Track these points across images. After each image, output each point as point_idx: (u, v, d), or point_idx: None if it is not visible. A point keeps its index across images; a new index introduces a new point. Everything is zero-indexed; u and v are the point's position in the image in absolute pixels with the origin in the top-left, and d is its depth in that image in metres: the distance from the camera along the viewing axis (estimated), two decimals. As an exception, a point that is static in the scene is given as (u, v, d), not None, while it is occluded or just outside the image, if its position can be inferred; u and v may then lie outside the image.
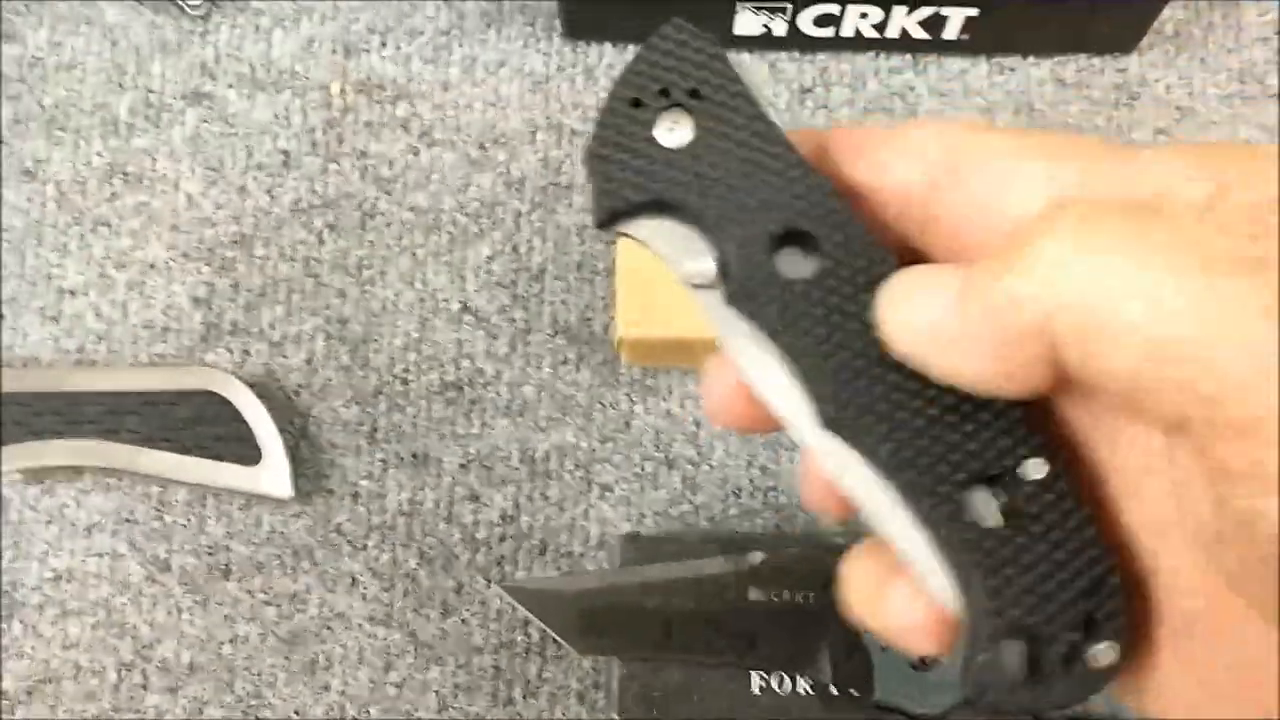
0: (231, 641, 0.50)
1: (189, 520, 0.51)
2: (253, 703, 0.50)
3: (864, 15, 0.52)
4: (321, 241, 0.53)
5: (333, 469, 0.51)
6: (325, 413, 0.52)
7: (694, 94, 0.25)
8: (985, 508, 0.24)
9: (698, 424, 0.52)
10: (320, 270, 0.53)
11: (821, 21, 0.53)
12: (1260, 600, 0.20)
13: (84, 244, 0.53)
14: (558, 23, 0.55)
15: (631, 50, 0.55)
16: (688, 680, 0.46)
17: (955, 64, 0.55)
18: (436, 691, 0.50)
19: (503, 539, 0.51)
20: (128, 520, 0.51)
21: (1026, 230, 0.21)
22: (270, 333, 0.52)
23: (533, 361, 0.52)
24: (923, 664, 0.45)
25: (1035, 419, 0.24)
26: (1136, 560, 0.24)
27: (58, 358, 0.52)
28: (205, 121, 0.55)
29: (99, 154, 0.54)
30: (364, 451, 0.51)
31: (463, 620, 0.50)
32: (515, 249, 0.53)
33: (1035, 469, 0.24)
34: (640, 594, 0.46)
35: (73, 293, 0.53)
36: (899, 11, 0.52)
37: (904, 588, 0.24)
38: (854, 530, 0.48)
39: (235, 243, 0.53)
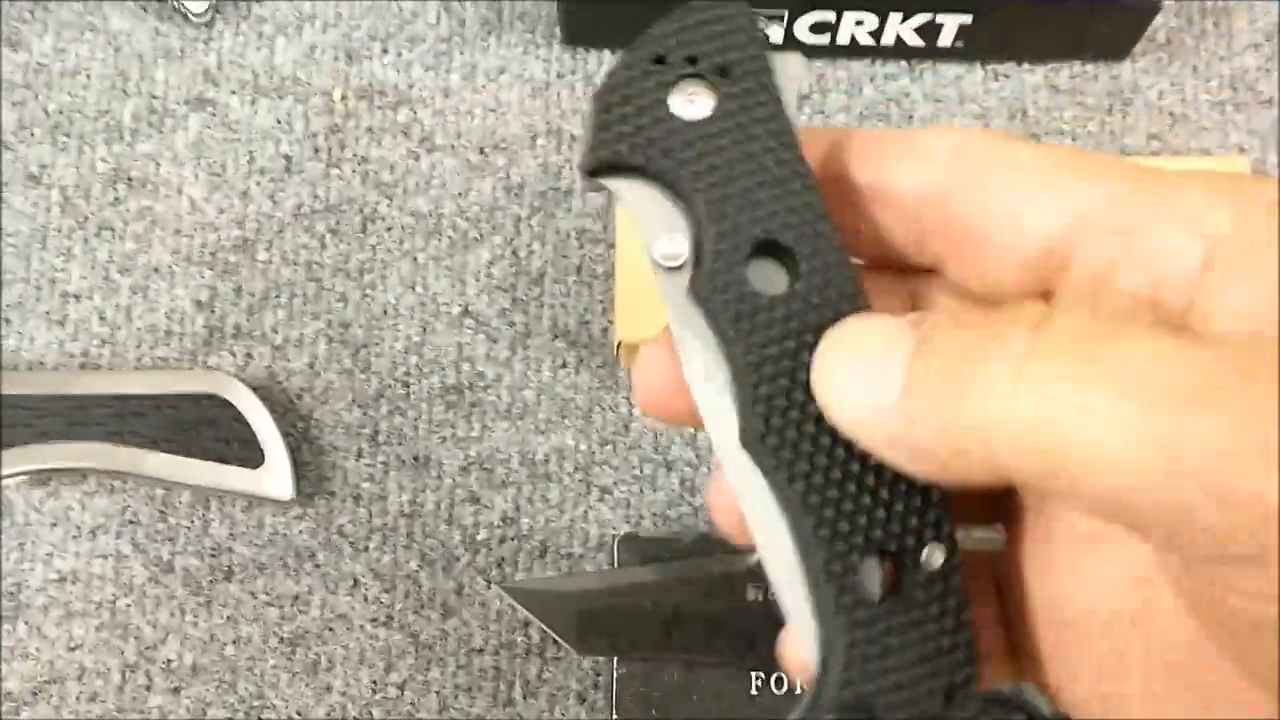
0: (234, 642, 0.50)
1: (192, 522, 0.51)
2: (255, 703, 0.50)
3: (860, 22, 0.53)
4: (323, 246, 0.54)
5: (334, 471, 0.52)
6: (327, 416, 0.52)
7: (722, 71, 0.24)
8: (870, 578, 0.23)
9: (694, 429, 0.52)
10: (322, 274, 0.54)
11: (818, 29, 0.53)
12: (1259, 674, 0.20)
13: (88, 248, 0.54)
14: (557, 30, 0.55)
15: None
16: (686, 680, 0.47)
17: (950, 70, 0.56)
18: (437, 692, 0.50)
19: (503, 541, 0.51)
20: (131, 522, 0.51)
21: (982, 339, 0.20)
22: (273, 336, 0.53)
23: (532, 365, 0.53)
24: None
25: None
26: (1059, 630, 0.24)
27: (62, 361, 0.53)
28: (208, 127, 0.55)
29: (103, 159, 0.55)
30: (365, 454, 0.52)
31: (463, 621, 0.50)
32: (515, 253, 0.54)
33: (935, 557, 0.23)
34: (639, 595, 0.47)
35: (77, 297, 0.53)
36: (894, 19, 0.53)
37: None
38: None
39: (238, 247, 0.54)
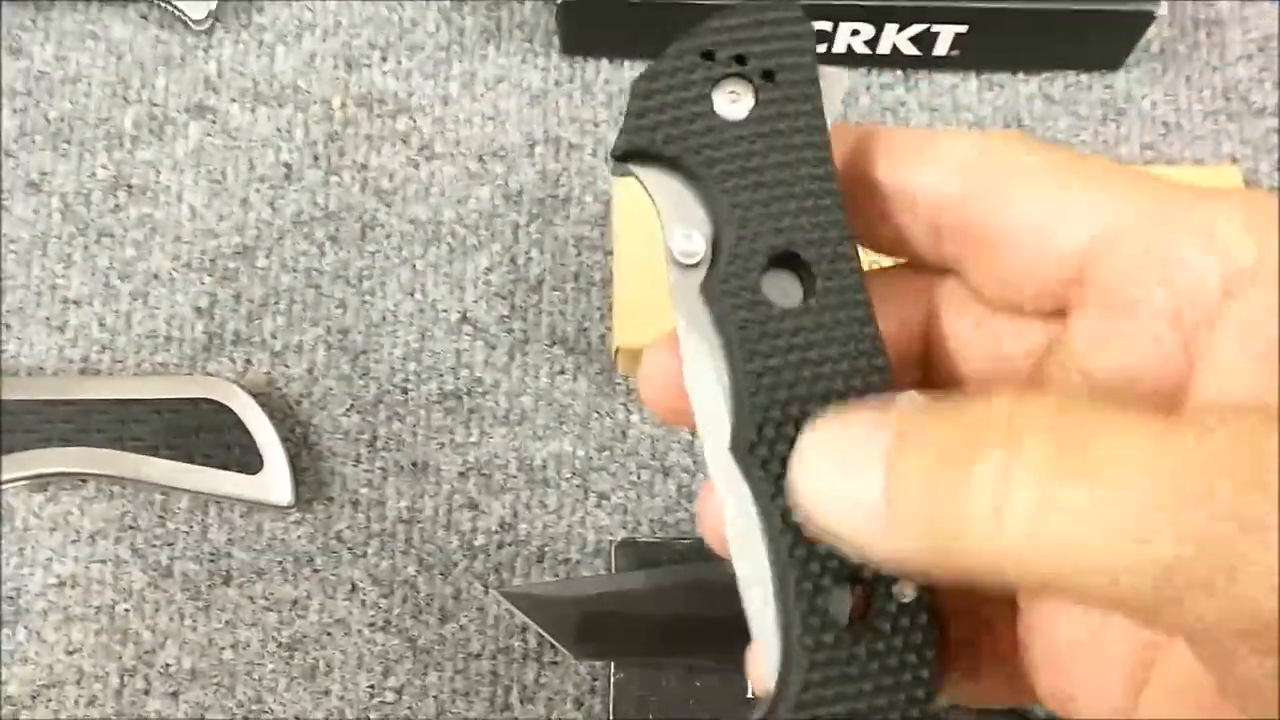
0: (233, 647, 0.51)
1: (191, 527, 0.52)
2: (253, 708, 0.50)
3: (856, 32, 0.53)
4: (323, 253, 0.54)
5: (333, 477, 0.52)
6: (326, 421, 0.52)
7: (768, 75, 0.24)
8: (840, 603, 0.23)
9: (692, 432, 0.52)
10: (321, 281, 0.54)
11: (814, 38, 0.54)
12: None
13: (88, 255, 0.54)
14: (555, 39, 0.56)
15: (629, 66, 0.56)
16: (684, 685, 0.47)
17: (946, 80, 0.56)
18: (435, 697, 0.50)
19: (500, 546, 0.52)
20: (131, 527, 0.51)
21: (960, 443, 0.19)
22: (272, 342, 0.53)
23: (530, 371, 0.53)
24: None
25: None
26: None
27: (62, 367, 0.53)
28: (208, 135, 0.55)
29: (103, 166, 0.55)
30: (364, 460, 0.52)
31: (461, 626, 0.51)
32: (513, 260, 0.54)
33: (906, 590, 0.23)
34: (637, 599, 0.47)
35: (77, 303, 0.54)
36: (890, 29, 0.53)
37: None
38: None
39: (238, 254, 0.54)
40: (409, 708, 0.50)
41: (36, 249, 0.54)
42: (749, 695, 0.45)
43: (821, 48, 0.54)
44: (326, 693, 0.50)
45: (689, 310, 0.24)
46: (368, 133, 0.55)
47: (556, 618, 0.47)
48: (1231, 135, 0.56)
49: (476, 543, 0.51)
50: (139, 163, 0.55)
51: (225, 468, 0.50)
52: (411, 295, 0.54)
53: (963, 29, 0.53)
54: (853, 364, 0.23)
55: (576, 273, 0.54)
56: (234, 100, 0.56)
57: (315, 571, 0.51)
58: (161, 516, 0.52)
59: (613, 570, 0.49)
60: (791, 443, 0.22)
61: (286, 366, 0.53)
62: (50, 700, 0.50)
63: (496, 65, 0.56)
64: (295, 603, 0.51)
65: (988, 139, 0.23)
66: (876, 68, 0.56)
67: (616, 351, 0.49)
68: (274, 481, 0.50)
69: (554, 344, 0.53)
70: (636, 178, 0.25)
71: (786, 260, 0.24)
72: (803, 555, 0.23)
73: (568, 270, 0.54)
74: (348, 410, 0.53)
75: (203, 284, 0.54)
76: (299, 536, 0.51)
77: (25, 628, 0.51)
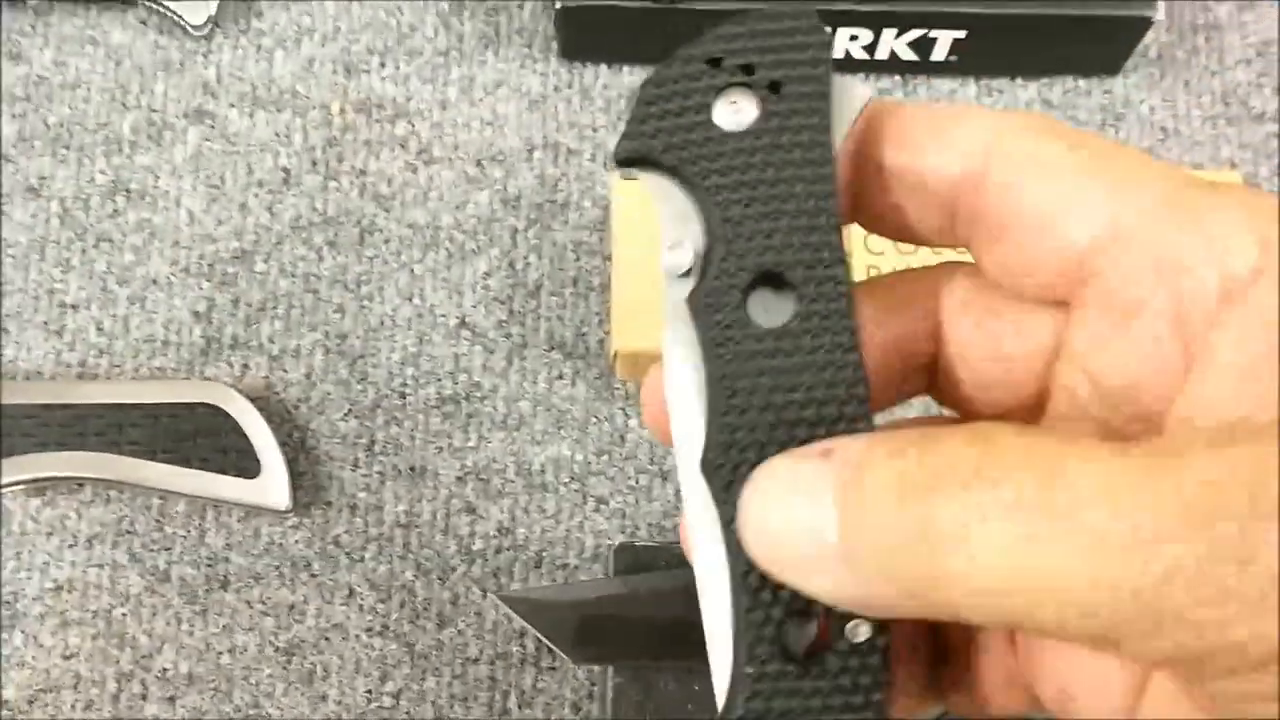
0: (230, 651, 0.50)
1: (188, 531, 0.51)
2: (251, 712, 0.50)
3: (854, 37, 0.53)
4: (321, 257, 0.54)
5: (331, 481, 0.52)
6: (324, 426, 0.52)
7: (774, 86, 0.23)
8: (794, 637, 0.23)
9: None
10: (319, 286, 0.54)
11: (813, 43, 0.54)
12: None
13: (86, 259, 0.54)
14: (554, 44, 0.56)
15: (627, 71, 0.56)
16: (682, 688, 0.47)
17: (944, 85, 0.56)
18: (432, 702, 0.50)
19: (499, 551, 0.51)
20: (128, 531, 0.51)
21: (921, 480, 0.19)
22: (270, 347, 0.53)
23: (529, 376, 0.53)
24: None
25: None
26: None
27: (59, 371, 0.53)
28: (207, 140, 0.55)
29: (102, 171, 0.55)
30: (362, 464, 0.52)
31: (459, 631, 0.51)
32: (512, 265, 0.54)
33: (860, 631, 0.22)
34: (635, 603, 0.47)
35: (75, 307, 0.54)
36: (889, 34, 0.53)
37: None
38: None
39: (236, 258, 0.54)
40: (406, 713, 0.50)
41: (35, 253, 0.54)
42: None
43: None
44: (324, 698, 0.50)
45: (675, 320, 0.24)
46: (366, 138, 0.55)
47: (554, 622, 0.47)
48: (1230, 140, 0.56)
49: (474, 547, 0.51)
50: (137, 168, 0.55)
51: (223, 472, 0.50)
52: (410, 300, 0.54)
53: (961, 34, 0.53)
54: (828, 391, 0.23)
55: (575, 277, 0.54)
56: (232, 105, 0.56)
57: (313, 576, 0.51)
58: (159, 521, 0.51)
59: (611, 574, 0.49)
60: (754, 467, 0.22)
61: (284, 371, 0.53)
62: (47, 705, 0.50)
63: (495, 70, 0.56)
64: (293, 607, 0.51)
65: (1006, 121, 0.23)
66: (875, 73, 0.56)
67: (615, 356, 0.49)
68: (271, 486, 0.50)
69: (552, 349, 0.53)
70: (635, 178, 0.25)
71: (774, 279, 0.23)
72: (756, 584, 0.22)
73: (566, 275, 0.54)
74: (346, 415, 0.53)
75: (201, 289, 0.54)
76: (296, 541, 0.51)
77: (22, 632, 0.50)
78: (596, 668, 0.49)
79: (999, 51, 0.55)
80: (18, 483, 0.50)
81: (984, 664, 0.25)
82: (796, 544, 0.21)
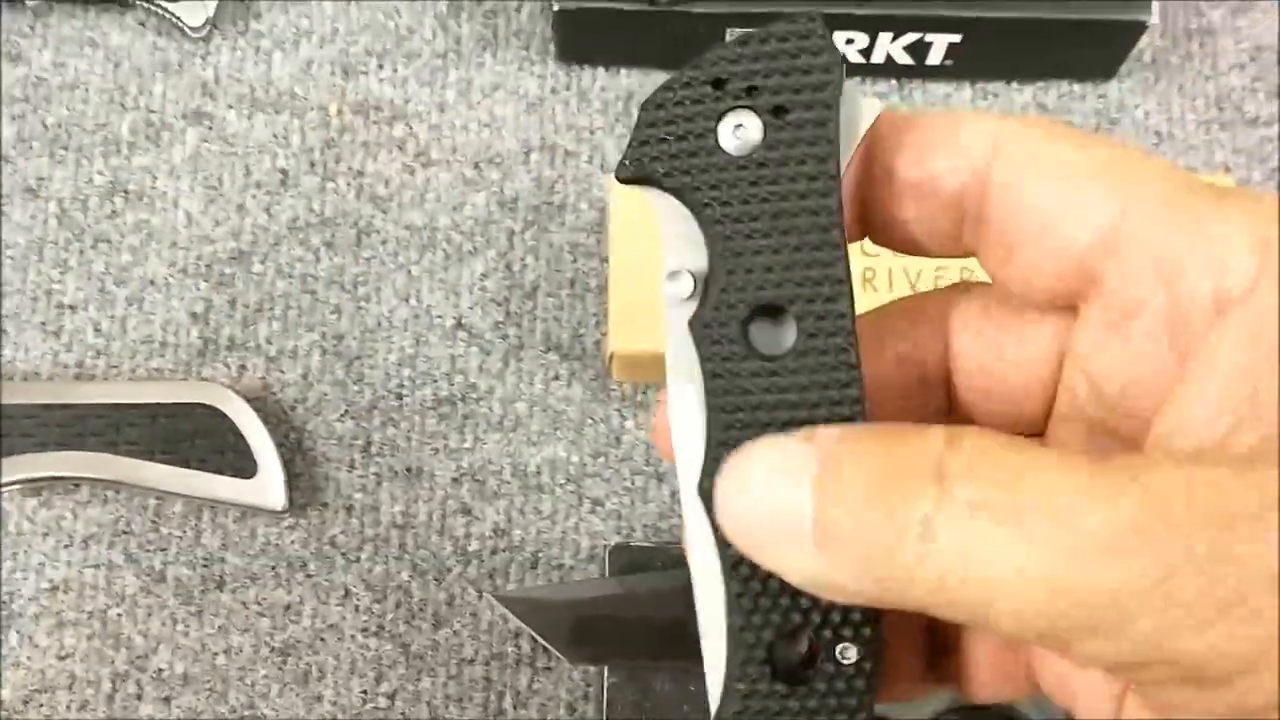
0: (225, 652, 0.51)
1: (184, 532, 0.51)
2: (246, 713, 0.50)
3: (850, 41, 0.54)
4: (318, 258, 0.54)
5: (327, 482, 0.52)
6: (320, 427, 0.53)
7: (778, 110, 0.22)
8: (783, 657, 0.23)
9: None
10: (317, 287, 0.54)
11: (809, 47, 0.54)
12: None
13: (84, 260, 0.54)
14: (551, 47, 0.56)
15: (624, 74, 0.56)
16: (677, 688, 0.47)
17: (940, 89, 0.57)
18: (428, 702, 0.50)
19: (494, 552, 0.52)
20: (124, 532, 0.51)
21: (890, 478, 0.19)
22: (267, 348, 0.53)
23: (525, 377, 0.53)
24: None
25: None
26: None
27: (57, 372, 0.53)
28: (205, 141, 0.56)
29: (100, 172, 0.55)
30: (358, 465, 0.52)
31: (454, 631, 0.51)
32: (508, 267, 0.54)
33: (849, 653, 0.23)
34: (631, 604, 0.47)
35: (73, 308, 0.54)
36: (884, 38, 0.53)
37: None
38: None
39: (233, 259, 0.54)
40: (402, 713, 0.50)
41: (33, 254, 0.54)
42: None
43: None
44: (319, 698, 0.50)
45: (676, 342, 0.24)
46: (364, 139, 0.56)
47: (550, 622, 0.47)
48: (1224, 144, 0.56)
49: (470, 548, 0.51)
50: (136, 169, 0.55)
51: (219, 473, 0.50)
52: (406, 301, 0.54)
53: (957, 38, 0.53)
54: (826, 422, 0.23)
55: (572, 279, 0.54)
56: (231, 107, 0.56)
57: (309, 577, 0.51)
58: (155, 521, 0.52)
59: (606, 575, 0.49)
60: None
61: (281, 372, 0.53)
62: (42, 705, 0.50)
63: (493, 72, 0.56)
64: (288, 608, 0.51)
65: (1010, 124, 0.23)
66: (870, 77, 0.56)
67: (611, 357, 0.49)
68: (268, 486, 0.50)
69: (549, 350, 0.53)
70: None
71: (775, 309, 0.23)
72: (749, 605, 0.23)
73: (563, 277, 0.54)
74: (342, 415, 0.53)
75: (198, 289, 0.54)
76: (293, 542, 0.51)
77: (18, 632, 0.50)
78: (592, 668, 0.49)
79: (994, 55, 0.55)
80: (15, 482, 0.50)
81: (976, 652, 0.26)
82: (772, 522, 0.21)
